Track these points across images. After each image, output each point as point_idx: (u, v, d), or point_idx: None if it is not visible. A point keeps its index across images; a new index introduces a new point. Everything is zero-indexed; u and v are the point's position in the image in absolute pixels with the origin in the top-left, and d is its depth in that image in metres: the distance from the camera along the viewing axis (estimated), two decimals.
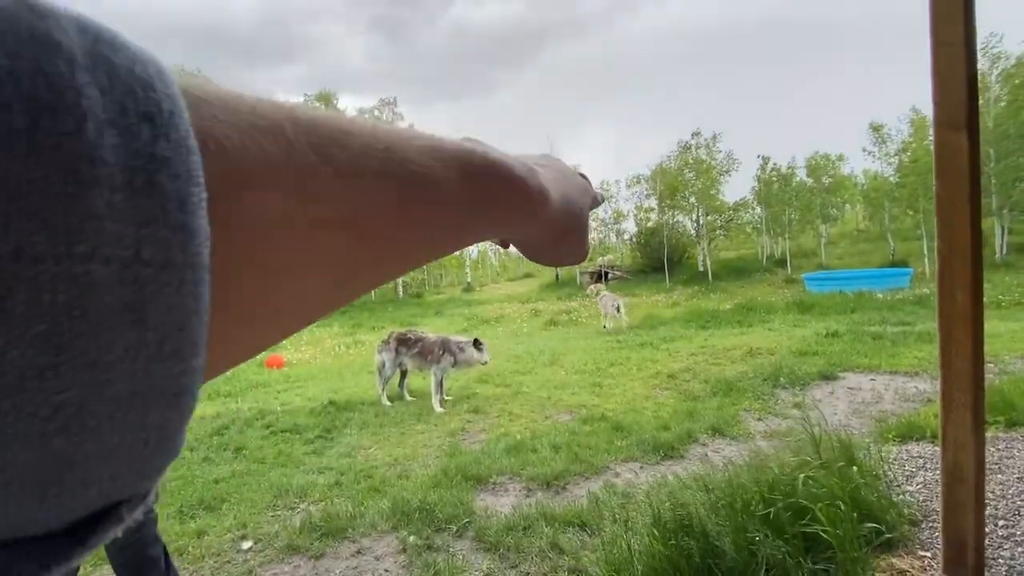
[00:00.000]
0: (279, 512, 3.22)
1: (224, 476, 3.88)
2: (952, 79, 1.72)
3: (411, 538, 2.70)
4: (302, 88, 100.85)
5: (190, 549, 2.77)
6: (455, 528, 2.78)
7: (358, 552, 2.67)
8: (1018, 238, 24.84)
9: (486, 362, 6.01)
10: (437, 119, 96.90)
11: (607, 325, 12.40)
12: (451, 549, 2.59)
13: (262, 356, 12.56)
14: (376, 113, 37.30)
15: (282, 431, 5.09)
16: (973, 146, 1.72)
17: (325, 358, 11.93)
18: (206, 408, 6.81)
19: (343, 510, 3.05)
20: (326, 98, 35.14)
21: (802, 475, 1.99)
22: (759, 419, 4.42)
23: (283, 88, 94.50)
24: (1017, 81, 22.96)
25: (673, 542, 1.90)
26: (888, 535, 1.92)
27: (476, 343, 5.91)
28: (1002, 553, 2.06)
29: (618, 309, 12.60)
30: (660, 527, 1.93)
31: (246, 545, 2.81)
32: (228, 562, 2.66)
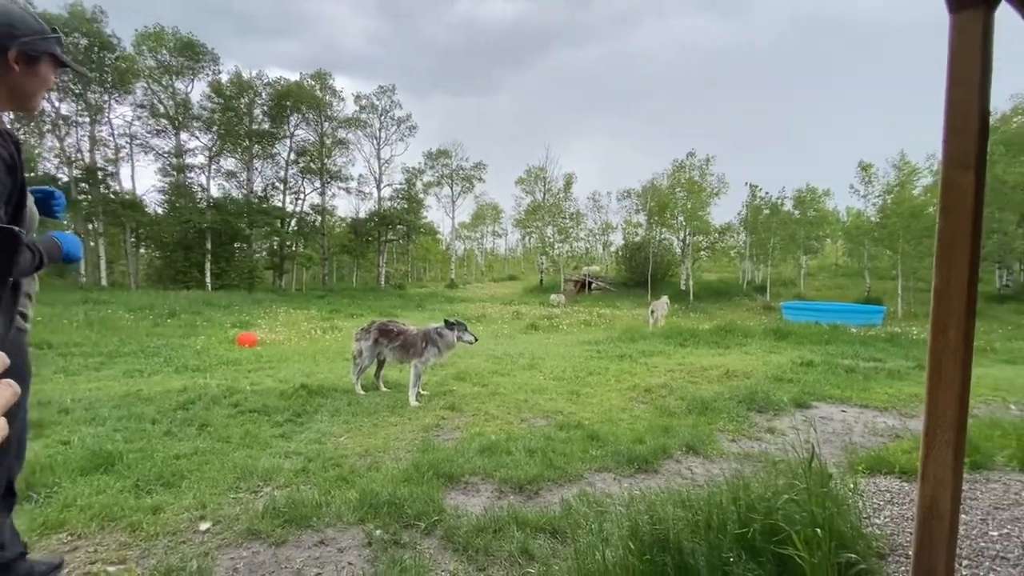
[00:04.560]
0: (241, 494, 3.11)
1: (186, 452, 3.74)
2: (966, 119, 1.74)
3: (377, 532, 2.63)
4: (298, 65, 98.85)
5: (144, 526, 2.65)
6: (423, 525, 2.71)
7: (321, 542, 2.58)
8: (987, 287, 25.76)
9: (472, 341, 5.96)
10: (435, 112, 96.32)
11: (656, 324, 14.88)
12: (418, 547, 2.53)
13: (233, 333, 12.25)
14: (374, 100, 36.99)
15: (250, 411, 4.95)
16: (979, 186, 1.74)
17: (300, 340, 11.70)
18: (172, 381, 6.60)
19: (309, 497, 2.96)
20: (321, 78, 34.63)
21: (784, 497, 1.99)
22: (732, 440, 4.44)
23: (279, 63, 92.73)
24: (994, 137, 23.89)
25: (648, 557, 1.87)
26: (860, 567, 1.93)
27: (448, 324, 5.84)
28: None
29: (656, 312, 15.64)
30: (637, 541, 1.90)
31: (204, 526, 2.70)
32: (183, 542, 2.55)
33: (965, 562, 2.33)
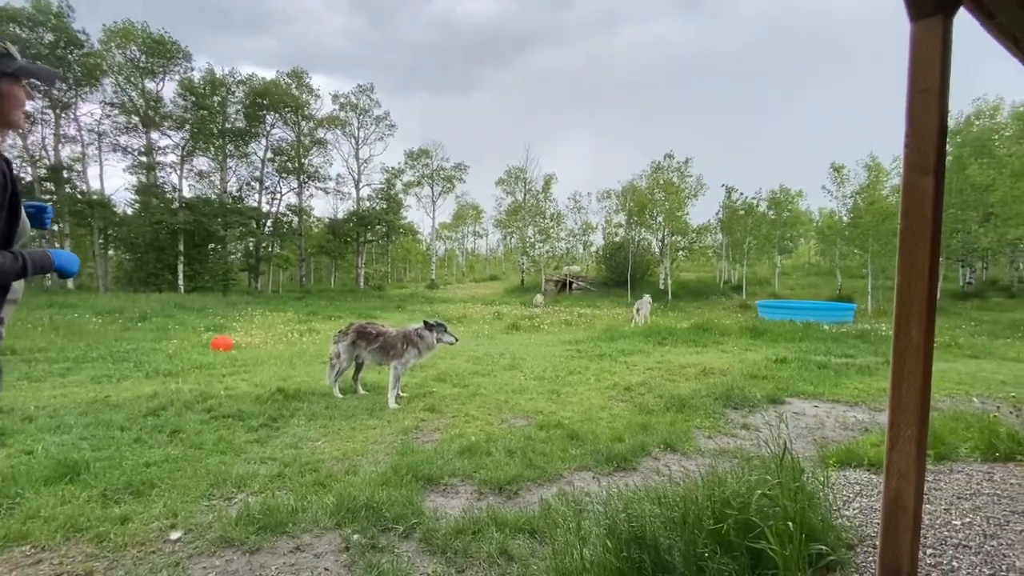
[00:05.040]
0: (214, 502, 3.04)
1: (156, 460, 3.65)
2: (925, 124, 1.80)
3: (355, 536, 2.60)
4: (273, 62, 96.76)
5: (112, 536, 2.57)
6: (402, 529, 2.69)
7: (297, 548, 2.54)
8: (951, 285, 26.72)
9: (452, 342, 5.95)
10: (415, 111, 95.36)
11: (640, 322, 15.55)
12: (396, 550, 2.51)
13: (207, 337, 11.96)
14: (352, 99, 36.54)
15: (224, 416, 4.84)
16: (938, 189, 1.80)
17: (276, 344, 11.49)
18: (142, 387, 6.42)
19: (284, 503, 2.91)
20: (298, 76, 34.12)
21: (758, 492, 2.03)
22: (709, 437, 4.52)
23: (254, 60, 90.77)
24: (958, 139, 24.79)
25: (625, 554, 1.89)
26: (830, 558, 1.98)
27: (427, 325, 5.80)
28: None
29: (641, 311, 16.52)
30: (614, 538, 1.92)
31: (175, 535, 2.63)
32: (153, 552, 2.48)
33: (929, 551, 2.41)
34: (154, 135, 29.84)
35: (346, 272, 41.32)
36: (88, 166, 29.01)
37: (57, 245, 26.12)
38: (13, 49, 1.59)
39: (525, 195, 40.73)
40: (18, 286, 1.65)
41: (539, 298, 26.37)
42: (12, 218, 1.52)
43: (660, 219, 32.66)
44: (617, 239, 36.14)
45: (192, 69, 30.43)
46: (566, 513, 2.68)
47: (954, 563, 2.31)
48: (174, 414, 4.90)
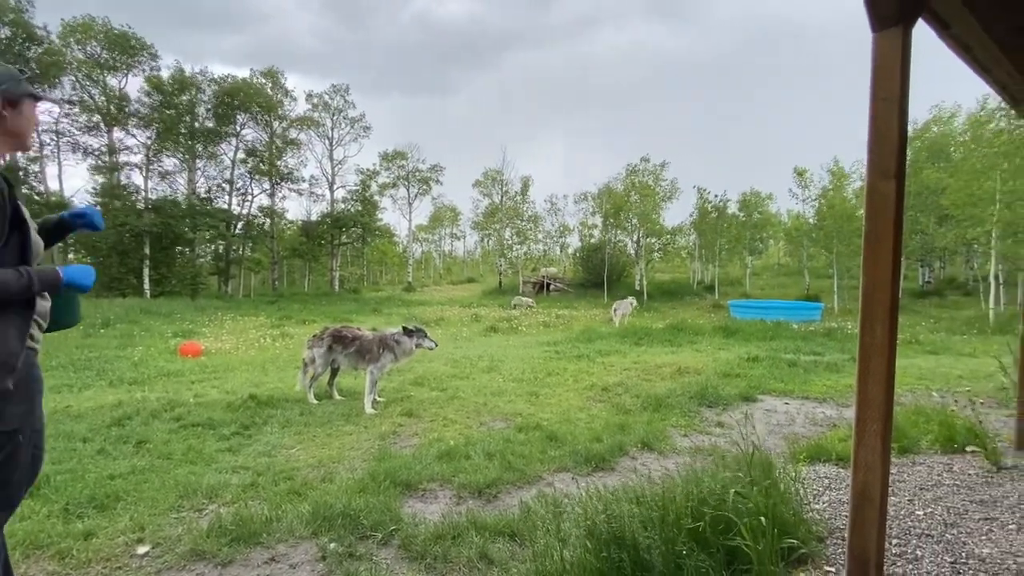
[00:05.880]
0: (184, 514, 2.95)
1: (122, 472, 3.51)
2: (887, 131, 1.87)
3: (332, 545, 2.55)
4: (245, 61, 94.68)
5: (75, 552, 2.46)
6: (380, 536, 2.66)
7: (272, 559, 2.48)
8: (911, 284, 27.83)
9: (432, 347, 5.94)
10: (391, 112, 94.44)
11: (616, 323, 16.04)
12: (375, 558, 2.47)
13: (175, 343, 11.59)
14: (327, 99, 36.00)
15: (193, 425, 4.70)
16: (899, 193, 1.88)
17: (248, 349, 11.21)
18: (106, 396, 6.19)
19: (258, 513, 2.84)
20: (273, 75, 33.46)
21: (732, 490, 2.08)
22: (685, 435, 4.59)
23: (226, 59, 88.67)
24: (918, 144, 25.88)
25: (605, 554, 1.91)
26: (801, 551, 2.04)
27: (406, 331, 5.75)
28: (895, 570, 2.24)
29: (618, 311, 16.78)
30: (594, 539, 1.94)
31: (142, 550, 2.54)
32: (119, 568, 2.39)
33: (895, 541, 2.50)
34: (119, 134, 28.80)
35: (320, 275, 40.62)
36: (46, 166, 27.85)
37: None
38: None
39: (502, 197, 40.76)
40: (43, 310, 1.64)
41: (523, 299, 26.12)
42: (20, 238, 1.54)
43: (635, 221, 33.08)
44: (594, 241, 36.48)
45: (159, 69, 29.52)
46: (545, 515, 2.69)
47: (918, 552, 2.40)
48: (140, 423, 4.74)
